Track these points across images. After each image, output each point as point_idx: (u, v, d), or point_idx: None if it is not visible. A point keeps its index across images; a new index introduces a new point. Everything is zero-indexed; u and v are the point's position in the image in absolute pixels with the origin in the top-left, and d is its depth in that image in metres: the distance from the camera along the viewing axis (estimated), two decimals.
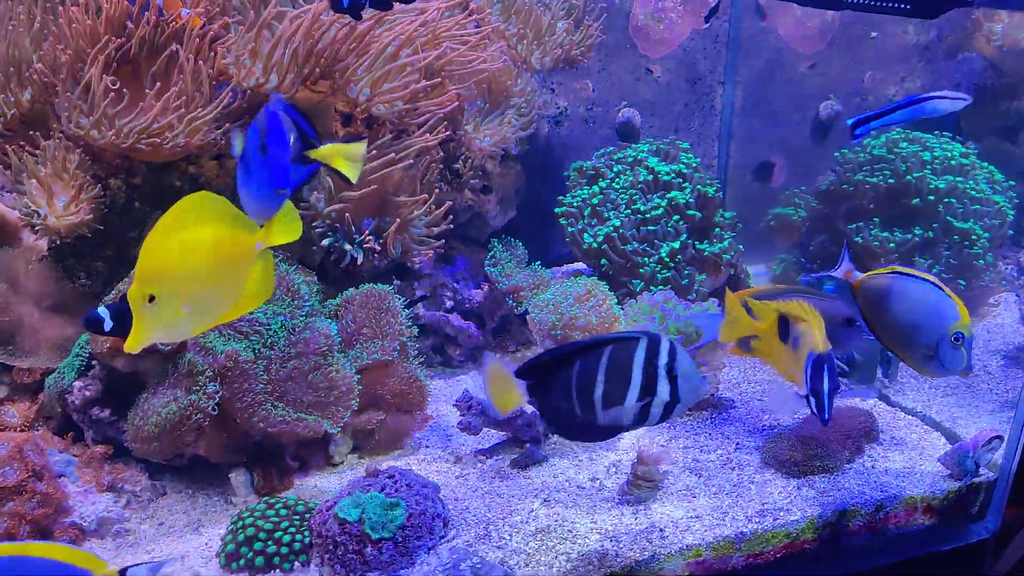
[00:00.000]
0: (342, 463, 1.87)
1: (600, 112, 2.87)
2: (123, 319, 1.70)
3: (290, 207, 1.27)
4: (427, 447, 1.94)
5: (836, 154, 2.69)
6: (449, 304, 2.27)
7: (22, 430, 1.85)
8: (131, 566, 1.17)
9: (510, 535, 1.57)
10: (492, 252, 2.32)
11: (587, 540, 1.56)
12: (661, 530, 1.58)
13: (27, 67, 1.90)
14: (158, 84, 1.86)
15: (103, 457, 1.77)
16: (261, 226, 1.25)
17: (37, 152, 1.85)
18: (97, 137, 1.81)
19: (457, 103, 2.14)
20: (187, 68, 1.84)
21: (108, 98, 1.79)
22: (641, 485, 1.67)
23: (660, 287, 2.24)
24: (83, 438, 1.83)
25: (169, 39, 1.89)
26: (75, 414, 1.80)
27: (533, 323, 1.92)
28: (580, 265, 2.60)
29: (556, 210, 2.43)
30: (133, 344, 1.18)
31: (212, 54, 1.91)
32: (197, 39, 1.88)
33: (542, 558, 1.52)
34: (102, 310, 1.68)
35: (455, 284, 2.28)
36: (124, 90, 1.83)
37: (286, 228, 1.27)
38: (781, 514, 1.63)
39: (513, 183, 2.53)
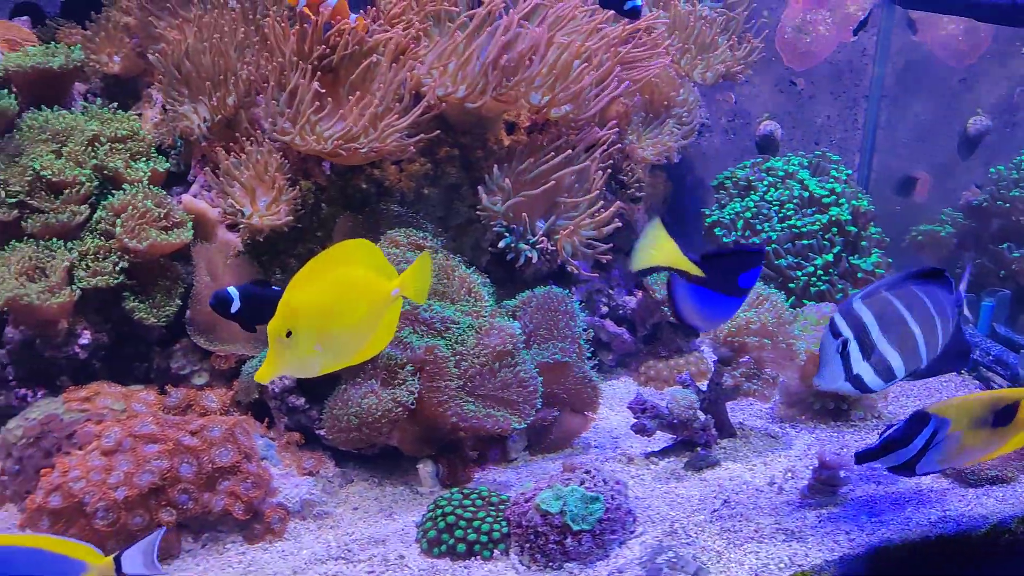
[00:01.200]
0: (516, 459, 1.94)
1: (741, 124, 2.90)
2: (250, 303, 1.82)
3: (426, 265, 1.35)
4: (596, 447, 1.99)
5: (991, 171, 2.66)
6: (604, 310, 2.33)
7: (221, 414, 1.98)
8: (123, 551, 1.24)
9: (696, 533, 1.61)
10: None
11: (774, 539, 1.58)
12: (847, 532, 1.60)
13: (232, 75, 2.04)
14: (357, 92, 1.98)
15: (297, 443, 1.89)
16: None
17: (242, 155, 1.99)
18: (300, 143, 1.93)
19: (625, 110, 2.20)
20: (387, 78, 1.95)
21: (313, 105, 1.92)
22: (823, 489, 1.69)
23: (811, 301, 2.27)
24: (274, 424, 1.95)
25: (369, 50, 2.00)
26: (272, 401, 1.92)
27: (707, 332, 1.96)
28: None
29: (707, 220, 2.46)
30: (263, 375, 1.23)
31: (405, 64, 2.01)
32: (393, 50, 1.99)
33: (731, 555, 1.55)
34: (232, 290, 1.81)
35: (610, 290, 2.34)
36: (328, 98, 1.95)
37: (420, 280, 1.34)
38: (964, 520, 1.63)
39: (661, 192, 2.58)
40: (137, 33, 2.21)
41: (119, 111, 2.13)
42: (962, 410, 1.49)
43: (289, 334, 1.21)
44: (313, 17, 1.98)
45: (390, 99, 1.96)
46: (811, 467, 1.73)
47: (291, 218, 1.95)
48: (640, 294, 2.38)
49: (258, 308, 1.76)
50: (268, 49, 2.01)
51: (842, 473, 1.71)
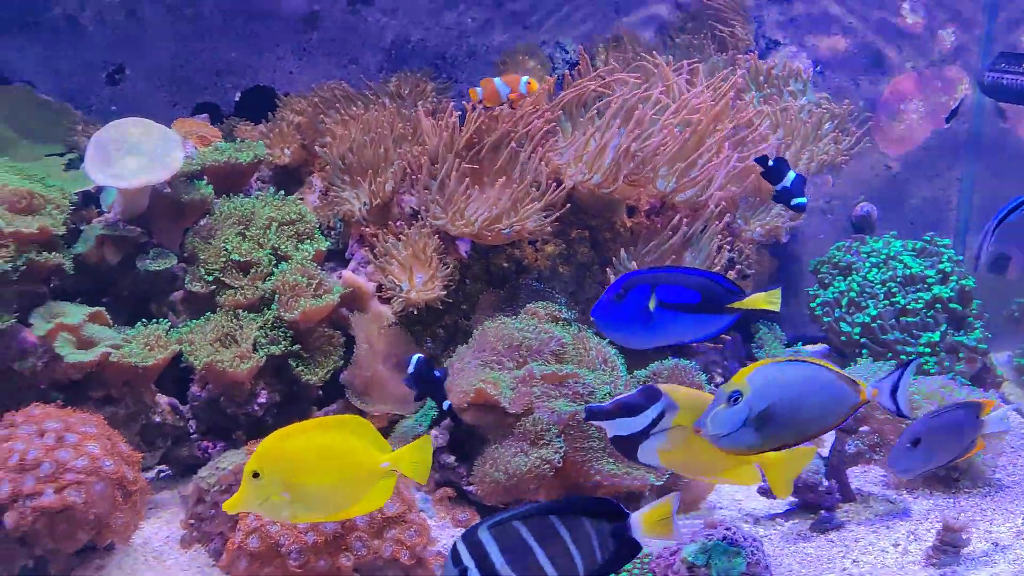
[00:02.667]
0: None
1: (838, 205, 3.07)
2: (419, 378, 2.04)
3: (426, 446, 1.42)
4: (720, 509, 2.13)
5: None
6: (719, 380, 2.48)
7: None
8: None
9: None
10: (758, 334, 2.54)
11: None
12: None
13: (389, 165, 2.32)
14: (500, 180, 2.23)
15: (449, 498, 2.08)
16: None
17: (400, 237, 2.25)
18: (451, 228, 2.18)
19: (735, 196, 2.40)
20: (528, 167, 2.20)
21: (462, 193, 2.17)
22: (947, 550, 1.80)
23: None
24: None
25: (510, 139, 2.26)
26: None
27: None
28: (823, 347, 2.79)
29: (813, 303, 2.62)
30: (230, 506, 1.32)
31: (543, 154, 2.26)
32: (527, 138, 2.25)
33: None
34: (416, 357, 2.04)
35: (724, 362, 2.50)
36: (476, 186, 2.21)
37: (418, 462, 1.41)
38: None
39: (767, 270, 2.76)
40: (306, 130, 2.53)
41: (288, 197, 2.42)
42: (692, 400, 1.45)
43: (256, 475, 1.30)
44: (470, 111, 2.25)
45: (529, 186, 2.20)
46: (934, 530, 1.85)
47: (444, 293, 2.19)
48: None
49: (424, 384, 2.01)
50: (420, 142, 2.29)
51: (964, 535, 1.83)
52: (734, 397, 1.38)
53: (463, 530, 2.03)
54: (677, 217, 2.31)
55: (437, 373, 2.04)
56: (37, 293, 2.16)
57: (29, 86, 2.60)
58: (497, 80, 2.15)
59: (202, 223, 2.26)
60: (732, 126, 2.40)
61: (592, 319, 1.58)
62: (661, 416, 1.43)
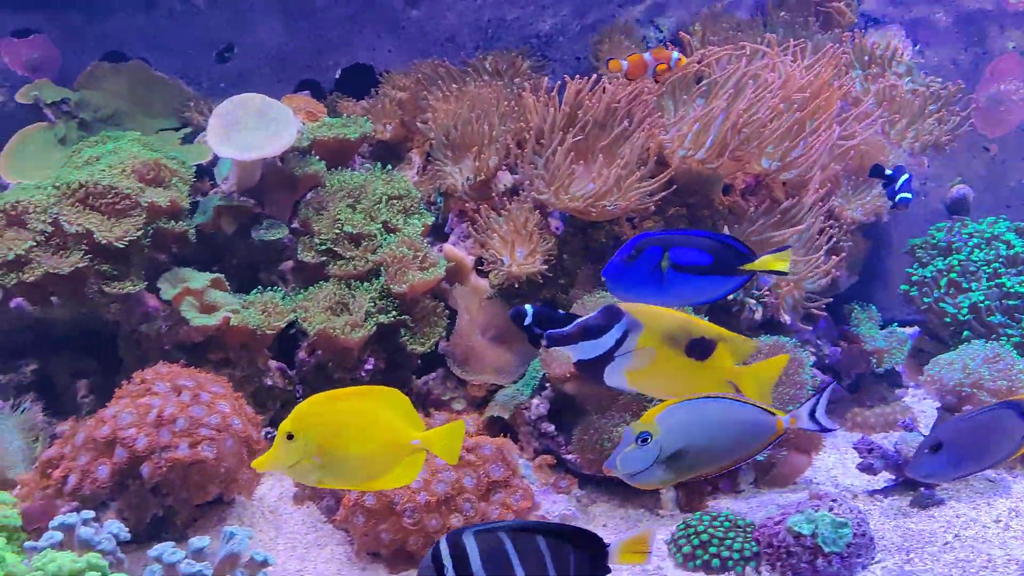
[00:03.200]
0: (743, 490, 2.13)
1: (932, 187, 3.03)
2: (541, 321, 2.10)
3: (459, 429, 1.42)
4: (818, 484, 2.16)
5: None
6: (812, 360, 2.49)
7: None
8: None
9: (931, 561, 1.75)
10: (853, 314, 2.53)
11: (1007, 569, 1.71)
12: None
13: (494, 141, 2.37)
14: (602, 156, 2.26)
15: (549, 465, 2.14)
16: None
17: (502, 212, 2.31)
18: (555, 201, 2.23)
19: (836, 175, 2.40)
20: (633, 143, 2.23)
21: (567, 168, 2.21)
22: None
23: None
24: (523, 448, 2.21)
25: (618, 117, 2.29)
26: (525, 427, 2.19)
27: (932, 379, 2.10)
28: (915, 330, 2.76)
29: (913, 279, 2.60)
30: (259, 464, 1.34)
31: (648, 130, 2.28)
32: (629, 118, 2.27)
33: None
34: (528, 307, 2.11)
35: (817, 341, 2.51)
36: (580, 162, 2.25)
37: (448, 443, 1.41)
38: None
39: (861, 250, 2.74)
40: (407, 107, 2.60)
41: (395, 172, 2.49)
42: (657, 320, 1.41)
43: (291, 437, 1.31)
44: (571, 88, 2.29)
45: (634, 162, 2.23)
46: None
47: (545, 267, 2.24)
48: (845, 345, 2.54)
49: (546, 326, 2.07)
50: (526, 118, 2.34)
51: None
52: (643, 438, 1.37)
53: (564, 496, 2.11)
54: (782, 195, 2.32)
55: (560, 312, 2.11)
56: (160, 260, 2.29)
57: (145, 63, 2.72)
58: (647, 55, 2.13)
59: (311, 195, 2.35)
60: (837, 104, 2.39)
61: (603, 279, 1.55)
62: (625, 336, 1.40)
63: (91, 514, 1.72)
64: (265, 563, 1.76)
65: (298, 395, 2.35)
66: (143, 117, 2.65)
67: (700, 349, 1.43)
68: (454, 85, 2.53)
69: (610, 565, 1.29)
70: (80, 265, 2.03)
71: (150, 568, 1.69)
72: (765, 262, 1.55)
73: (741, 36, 2.58)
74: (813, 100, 2.26)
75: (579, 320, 1.43)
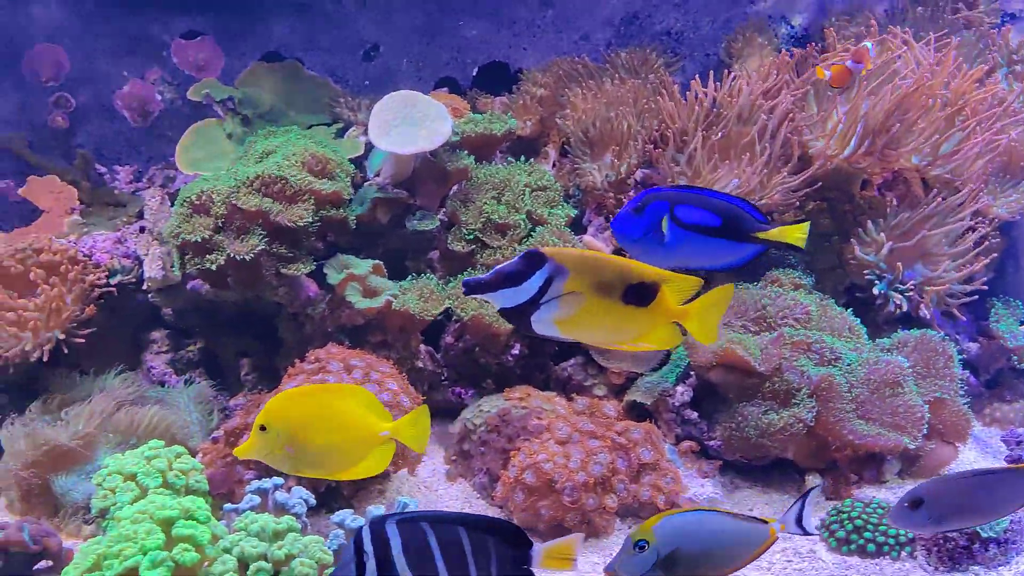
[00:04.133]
0: (888, 480, 2.16)
1: None
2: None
3: (424, 417, 1.47)
4: None
5: None
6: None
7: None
8: None
9: None
10: (993, 310, 2.52)
11: None
12: None
13: (633, 140, 2.45)
14: (747, 153, 2.31)
15: (692, 451, 2.21)
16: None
17: None
18: None
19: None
20: (776, 140, 2.27)
21: (709, 165, 2.27)
22: None
23: None
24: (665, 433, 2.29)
25: (758, 114, 2.33)
26: (668, 412, 2.26)
27: None
28: None
29: None
30: (240, 452, 1.43)
31: (790, 128, 2.32)
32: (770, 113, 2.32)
33: None
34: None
35: (956, 336, 2.50)
36: (724, 160, 2.30)
37: (416, 432, 1.47)
38: None
39: (998, 248, 2.71)
40: (546, 103, 2.70)
41: (537, 165, 2.59)
42: (584, 264, 1.31)
43: (263, 428, 1.40)
44: (712, 86, 2.34)
45: (777, 159, 2.27)
46: None
47: None
48: (984, 341, 2.52)
49: None
50: (665, 116, 2.40)
51: None
52: (640, 546, 1.39)
53: (711, 480, 2.18)
54: (920, 191, 2.33)
55: None
56: (318, 248, 2.44)
57: (298, 62, 2.89)
58: (849, 62, 2.14)
59: (457, 188, 2.46)
60: (985, 101, 2.38)
61: (611, 230, 1.56)
62: (548, 283, 1.32)
63: (282, 480, 1.88)
64: None
65: (443, 379, 2.48)
66: (295, 113, 2.82)
67: (639, 294, 1.35)
68: (591, 81, 2.61)
69: (533, 569, 1.30)
70: (259, 248, 2.18)
71: (334, 532, 1.84)
72: (782, 232, 1.51)
73: (868, 33, 2.57)
74: (959, 96, 2.26)
75: (498, 267, 1.36)
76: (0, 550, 1.84)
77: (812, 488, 1.56)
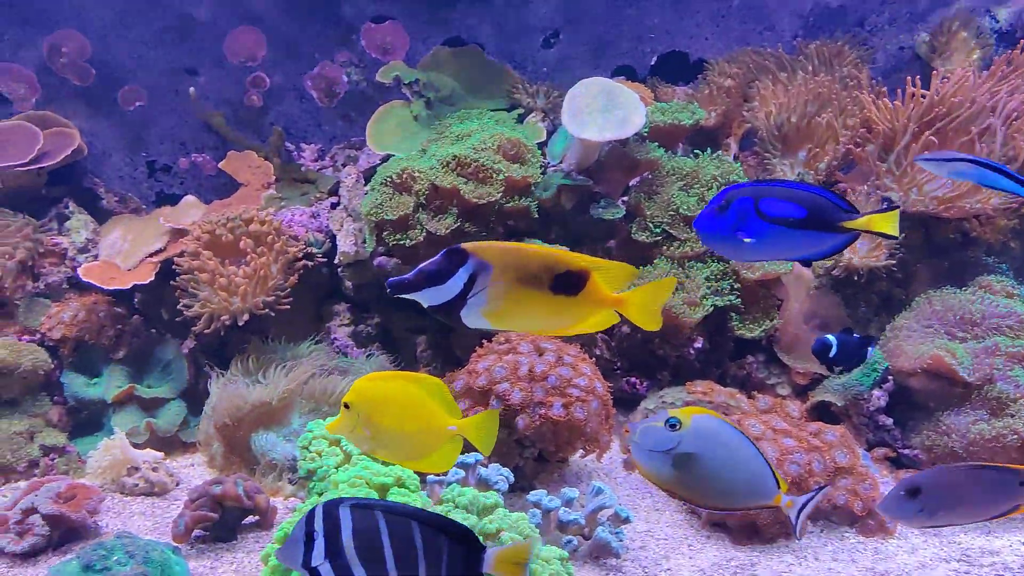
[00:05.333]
0: None
1: None
2: (843, 351, 2.07)
3: (493, 419, 1.45)
4: None
5: None
6: None
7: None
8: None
9: None
10: None
11: None
12: None
13: (832, 136, 2.37)
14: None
15: (887, 457, 2.14)
16: None
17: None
18: (904, 199, 2.20)
19: None
20: (998, 141, 2.16)
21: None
22: None
23: None
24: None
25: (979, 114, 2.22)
26: (859, 416, 2.19)
27: None
28: None
29: None
30: (330, 428, 1.42)
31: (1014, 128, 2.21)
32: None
33: None
34: (832, 338, 2.08)
35: None
36: None
37: (484, 433, 1.44)
38: None
39: None
40: (733, 94, 2.65)
41: (724, 157, 2.55)
42: (508, 257, 1.31)
43: (347, 407, 1.39)
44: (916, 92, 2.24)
45: (997, 159, 2.16)
46: None
47: (893, 261, 2.23)
48: None
49: (849, 353, 2.06)
50: (867, 115, 2.32)
51: None
52: (672, 423, 1.38)
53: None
54: None
55: (870, 349, 2.07)
56: (498, 232, 2.47)
57: (479, 47, 2.94)
58: None
59: (640, 179, 2.45)
60: None
61: (695, 229, 1.52)
62: (473, 279, 1.32)
63: (480, 456, 1.92)
64: (627, 520, 1.89)
65: (616, 367, 2.48)
66: (474, 98, 2.86)
67: (569, 283, 1.34)
68: (783, 74, 2.55)
69: (486, 571, 1.27)
70: (453, 227, 2.23)
71: (532, 511, 1.87)
72: (870, 221, 1.46)
73: None
74: None
75: (421, 266, 1.35)
76: (218, 503, 1.96)
77: (823, 488, 1.51)
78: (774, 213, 1.50)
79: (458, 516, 1.68)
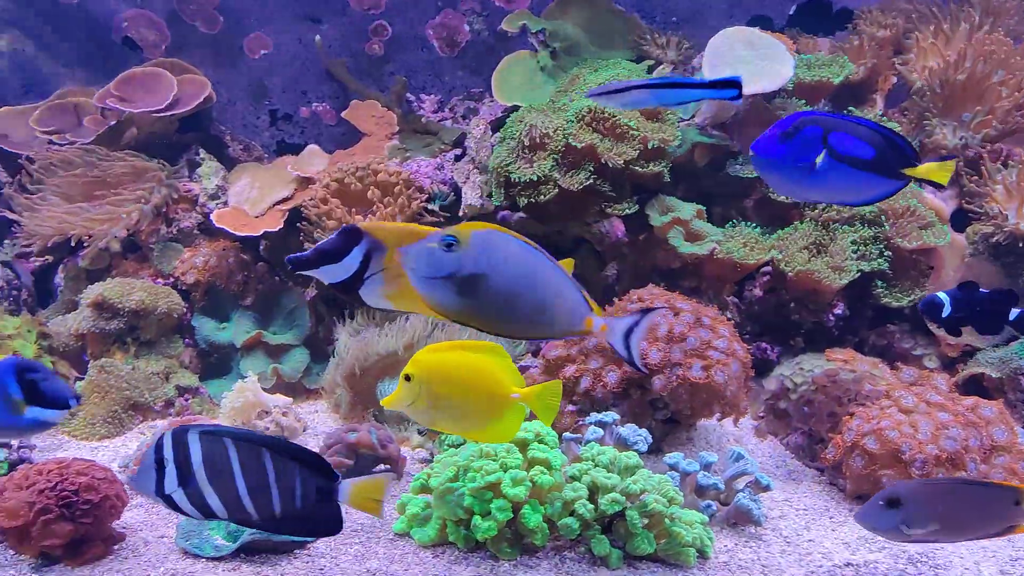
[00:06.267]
0: None
1: None
2: (961, 308, 1.89)
3: (556, 389, 1.38)
4: None
5: None
6: None
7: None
8: None
9: None
10: None
11: None
12: None
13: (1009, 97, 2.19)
14: None
15: None
16: None
17: (1010, 162, 2.15)
18: None
19: None
20: None
21: None
22: None
23: None
24: None
25: None
26: (1017, 392, 2.06)
27: None
28: None
29: None
30: (387, 403, 1.37)
31: None
32: None
33: None
34: (944, 295, 1.92)
35: None
36: None
37: (546, 403, 1.38)
38: None
39: None
40: (884, 47, 2.48)
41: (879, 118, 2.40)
42: (404, 238, 1.28)
43: (408, 379, 1.35)
44: None
45: None
46: None
47: None
48: None
49: (976, 312, 1.90)
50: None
51: None
52: (448, 242, 1.21)
53: None
54: None
55: (1016, 310, 1.91)
56: (624, 189, 2.40)
57: None
58: None
59: None
60: None
61: (751, 154, 1.42)
62: (368, 258, 1.31)
63: (616, 416, 1.88)
64: (768, 488, 1.82)
65: (746, 332, 2.39)
66: (599, 49, 2.77)
67: None
68: (945, 25, 2.37)
69: (342, 504, 1.30)
70: (586, 183, 2.17)
71: (670, 474, 1.82)
72: (928, 170, 1.40)
73: None
74: None
75: (317, 244, 1.35)
76: (352, 450, 1.98)
77: (657, 310, 1.44)
78: (844, 150, 1.42)
79: (599, 475, 1.64)
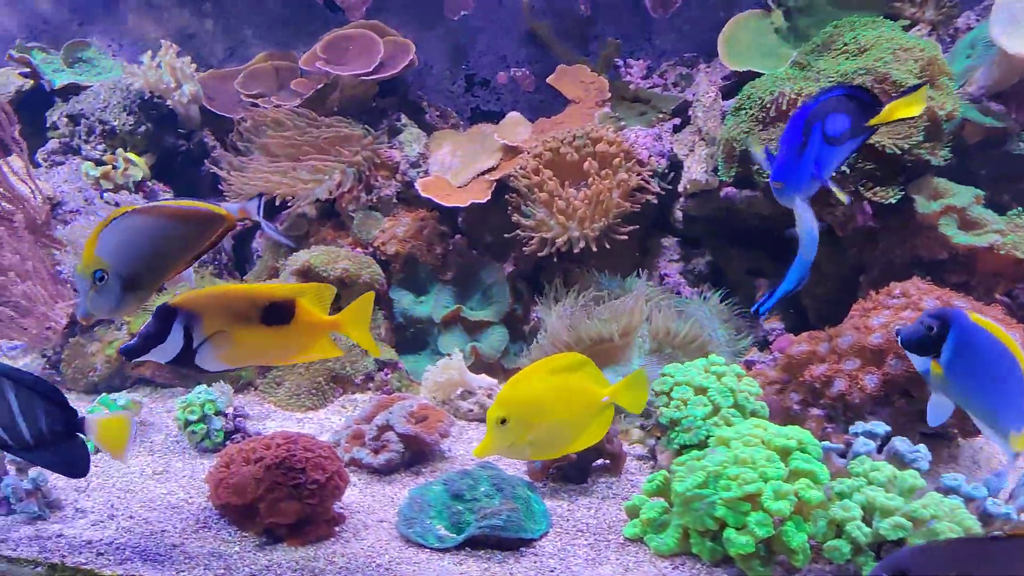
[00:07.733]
0: None
1: None
2: None
3: (642, 378, 1.44)
4: None
5: None
6: None
7: None
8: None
9: None
10: None
11: None
12: None
13: None
14: None
15: None
16: None
17: None
18: None
19: None
20: None
21: None
22: None
23: None
24: None
25: None
26: None
27: None
28: None
29: None
30: (479, 451, 1.38)
31: None
32: None
33: None
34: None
35: None
36: None
37: (634, 394, 1.43)
38: None
39: None
40: None
41: None
42: (212, 302, 1.37)
43: (504, 422, 1.35)
44: None
45: None
46: None
47: None
48: None
49: None
50: None
51: None
52: (98, 276, 1.35)
53: None
54: None
55: None
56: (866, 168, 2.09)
57: None
58: None
59: None
60: None
61: (776, 185, 1.41)
62: (189, 330, 1.35)
63: (887, 426, 1.62)
64: None
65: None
66: (839, 9, 2.46)
67: (277, 313, 1.38)
68: None
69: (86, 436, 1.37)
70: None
71: (952, 497, 1.55)
72: (890, 111, 1.38)
73: None
74: None
75: (140, 330, 1.38)
76: None
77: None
78: (834, 132, 1.43)
79: (878, 495, 1.41)
